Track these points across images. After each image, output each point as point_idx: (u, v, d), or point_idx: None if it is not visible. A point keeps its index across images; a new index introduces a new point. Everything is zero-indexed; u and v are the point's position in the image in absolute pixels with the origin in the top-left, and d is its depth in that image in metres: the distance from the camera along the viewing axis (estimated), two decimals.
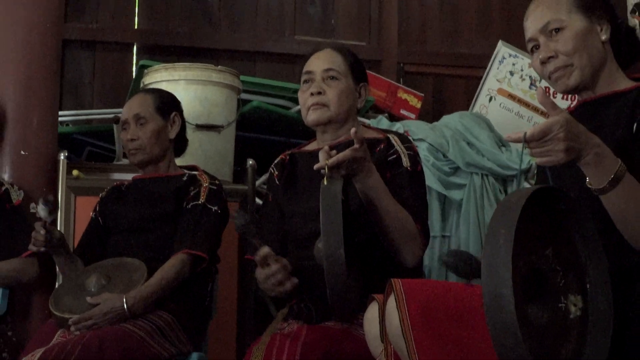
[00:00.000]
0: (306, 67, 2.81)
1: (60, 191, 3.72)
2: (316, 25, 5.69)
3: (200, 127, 3.92)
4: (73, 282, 2.97)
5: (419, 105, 5.19)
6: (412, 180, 2.65)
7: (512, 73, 4.90)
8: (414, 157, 2.70)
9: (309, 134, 2.96)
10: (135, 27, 5.42)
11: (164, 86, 3.83)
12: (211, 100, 4.00)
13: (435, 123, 4.60)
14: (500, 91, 4.90)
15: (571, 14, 2.18)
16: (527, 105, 4.87)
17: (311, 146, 2.90)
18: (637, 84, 2.17)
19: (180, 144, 3.32)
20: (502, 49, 4.93)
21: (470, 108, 5.00)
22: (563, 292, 1.85)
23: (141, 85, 4.12)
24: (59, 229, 3.54)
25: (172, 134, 3.23)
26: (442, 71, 5.83)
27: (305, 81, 2.79)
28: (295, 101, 4.40)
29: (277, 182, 2.88)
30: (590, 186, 1.89)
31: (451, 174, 4.32)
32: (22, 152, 3.60)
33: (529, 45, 2.27)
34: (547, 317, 1.80)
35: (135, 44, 5.40)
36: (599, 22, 2.19)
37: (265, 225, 2.85)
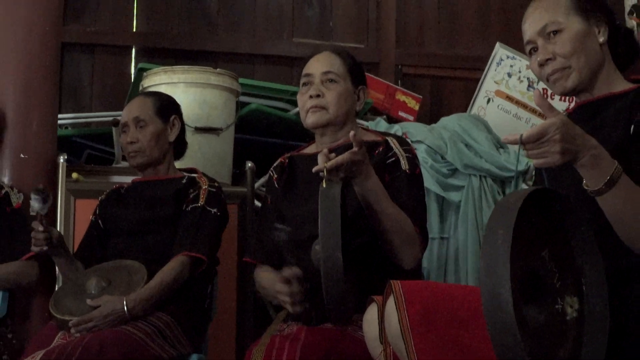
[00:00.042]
0: (305, 70, 2.81)
1: (59, 194, 3.72)
2: (314, 28, 5.69)
3: (199, 129, 3.93)
4: (73, 284, 2.98)
5: (417, 107, 5.20)
6: (410, 183, 2.66)
7: (510, 75, 4.91)
8: (413, 159, 2.71)
9: (308, 136, 2.97)
10: (134, 29, 5.42)
11: (163, 89, 3.83)
12: (210, 103, 4.00)
13: (433, 125, 4.61)
14: (498, 93, 4.91)
15: (569, 17, 2.19)
16: (525, 106, 4.88)
17: (310, 149, 2.91)
18: (634, 85, 2.18)
19: (179, 147, 3.33)
20: (500, 51, 4.94)
21: (468, 110, 5.01)
22: (560, 293, 1.86)
23: (140, 88, 4.13)
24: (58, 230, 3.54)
25: (172, 136, 3.24)
26: (440, 73, 5.83)
27: (304, 84, 2.80)
28: (294, 103, 4.42)
29: (277, 185, 2.89)
30: (586, 188, 1.89)
31: (449, 175, 4.33)
32: (22, 155, 3.60)
33: (527, 48, 2.28)
34: (544, 319, 1.81)
35: (133, 46, 5.40)
36: (596, 24, 2.20)
37: (264, 228, 2.87)
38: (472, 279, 4.16)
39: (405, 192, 2.63)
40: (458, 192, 4.31)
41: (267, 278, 2.75)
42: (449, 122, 4.56)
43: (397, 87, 5.29)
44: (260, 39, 5.57)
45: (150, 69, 4.16)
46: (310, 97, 2.74)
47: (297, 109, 3.49)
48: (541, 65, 2.22)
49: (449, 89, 5.86)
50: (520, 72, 4.90)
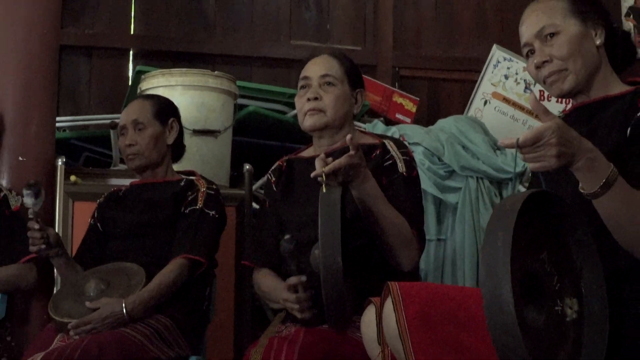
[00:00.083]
0: (303, 73, 2.82)
1: (58, 197, 3.73)
2: (312, 30, 5.70)
3: (197, 132, 3.93)
4: (72, 287, 2.98)
5: (414, 110, 5.20)
6: (408, 185, 2.67)
7: (506, 77, 4.92)
8: (410, 162, 2.72)
9: (305, 138, 2.98)
10: (132, 32, 5.42)
11: (160, 92, 3.83)
12: (208, 106, 4.01)
13: (430, 127, 4.61)
14: (495, 95, 4.92)
15: (566, 19, 2.20)
16: (521, 108, 4.89)
17: (307, 152, 2.92)
18: (631, 88, 2.19)
19: (177, 150, 3.33)
20: (497, 53, 4.95)
21: (465, 112, 5.02)
22: (559, 295, 1.87)
23: (138, 90, 4.13)
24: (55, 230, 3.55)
25: (170, 139, 3.24)
26: (437, 75, 5.83)
27: (302, 87, 2.81)
28: (292, 106, 4.43)
29: (275, 188, 2.89)
30: (582, 191, 1.90)
31: (446, 177, 4.34)
32: (21, 158, 3.61)
33: (524, 50, 2.28)
34: (544, 320, 1.81)
35: (131, 49, 5.41)
36: (593, 27, 2.21)
37: (262, 231, 2.88)
38: (469, 281, 4.17)
39: (403, 194, 2.64)
40: (455, 193, 4.31)
41: (267, 282, 2.76)
42: (446, 124, 4.56)
43: (394, 89, 5.29)
44: (258, 41, 5.57)
45: (148, 71, 4.17)
46: (308, 100, 2.75)
47: (294, 111, 3.49)
48: (538, 67, 2.23)
49: (446, 91, 5.86)
50: (517, 74, 4.90)
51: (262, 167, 4.02)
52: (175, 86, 3.98)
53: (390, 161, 2.70)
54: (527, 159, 1.85)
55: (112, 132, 4.16)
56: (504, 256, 1.67)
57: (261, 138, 4.60)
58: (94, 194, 3.59)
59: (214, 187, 3.19)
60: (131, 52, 5.41)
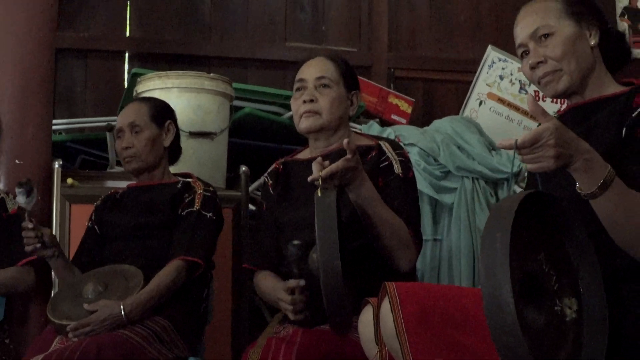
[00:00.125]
0: (299, 75, 2.83)
1: (55, 199, 3.73)
2: (307, 32, 5.70)
3: (193, 134, 3.93)
4: (70, 289, 2.99)
5: (409, 110, 5.21)
6: (404, 186, 2.68)
7: (501, 77, 4.93)
8: (406, 163, 2.73)
9: (301, 139, 2.98)
10: (127, 35, 5.42)
11: (157, 94, 3.84)
12: (204, 108, 4.01)
13: (426, 128, 4.62)
14: (490, 95, 4.93)
15: (560, 20, 2.21)
16: (516, 109, 4.90)
17: (304, 154, 2.92)
18: (625, 88, 2.20)
19: (174, 152, 3.34)
20: (492, 54, 4.96)
21: (460, 112, 5.02)
22: (558, 295, 1.88)
23: (134, 93, 4.13)
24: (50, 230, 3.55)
25: (167, 142, 3.25)
26: (432, 76, 5.83)
27: (298, 89, 2.82)
28: (287, 107, 4.43)
29: (272, 191, 2.90)
30: (580, 191, 1.90)
31: (442, 178, 4.34)
32: (17, 161, 3.61)
33: (519, 51, 2.29)
34: (544, 320, 1.82)
35: (127, 52, 5.40)
36: (588, 27, 2.22)
37: (261, 234, 2.88)
38: (466, 280, 4.18)
39: (399, 195, 2.65)
40: (451, 194, 4.32)
41: (267, 284, 2.77)
42: (442, 125, 4.57)
43: (389, 90, 5.30)
44: (254, 43, 5.57)
45: (144, 74, 4.16)
46: (304, 102, 2.76)
47: (290, 113, 3.50)
48: (532, 68, 2.24)
49: (441, 91, 5.86)
50: (512, 74, 4.91)
51: (258, 169, 4.03)
52: (172, 89, 3.98)
53: (386, 162, 2.71)
54: (525, 160, 1.85)
55: (108, 134, 4.16)
56: (502, 257, 1.68)
57: (257, 140, 4.60)
58: (90, 196, 3.60)
59: (211, 189, 3.20)
60: (127, 55, 5.40)
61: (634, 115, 2.06)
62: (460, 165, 4.31)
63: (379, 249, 2.57)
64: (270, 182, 2.92)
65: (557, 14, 2.22)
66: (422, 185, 4.16)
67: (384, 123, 4.95)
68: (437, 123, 4.64)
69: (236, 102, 4.33)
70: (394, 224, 2.54)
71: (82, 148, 4.63)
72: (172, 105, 3.40)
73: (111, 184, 3.89)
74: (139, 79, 4.12)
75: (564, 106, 2.37)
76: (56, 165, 3.74)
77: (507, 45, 4.57)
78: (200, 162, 3.94)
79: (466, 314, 2.04)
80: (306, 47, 5.51)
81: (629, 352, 1.97)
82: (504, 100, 4.90)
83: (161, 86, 3.99)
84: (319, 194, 2.32)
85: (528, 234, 1.83)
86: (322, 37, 5.71)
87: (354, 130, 3.29)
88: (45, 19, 3.77)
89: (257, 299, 3.77)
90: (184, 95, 3.98)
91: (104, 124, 4.35)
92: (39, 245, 2.97)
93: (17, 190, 2.96)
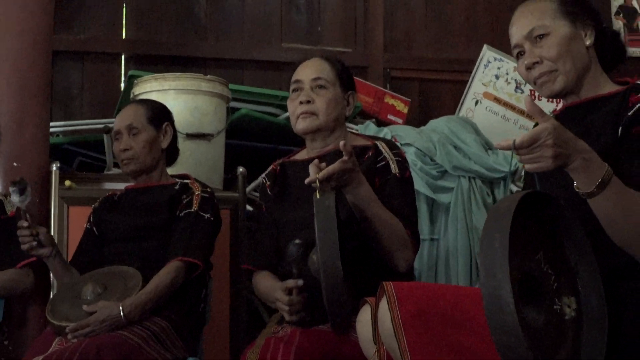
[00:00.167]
0: (295, 76, 2.84)
1: (53, 202, 3.73)
2: (303, 33, 5.70)
3: (190, 136, 3.94)
4: (69, 290, 3.00)
5: (405, 110, 5.21)
6: (401, 186, 2.68)
7: (497, 77, 4.94)
8: (402, 163, 2.74)
9: (298, 140, 2.99)
10: (124, 37, 5.42)
11: (154, 96, 3.84)
12: (201, 110, 4.02)
13: (422, 127, 4.62)
14: (486, 95, 4.94)
15: (556, 20, 2.21)
16: (512, 108, 4.91)
17: (301, 155, 2.93)
18: (621, 87, 2.20)
19: (172, 154, 3.35)
20: (487, 53, 4.97)
21: (456, 112, 5.04)
22: (557, 294, 1.89)
23: (131, 95, 4.14)
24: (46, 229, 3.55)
25: (164, 143, 3.26)
26: (428, 76, 5.83)
27: (294, 90, 2.82)
28: (284, 108, 4.44)
29: (270, 192, 2.91)
30: (578, 190, 1.91)
31: (439, 177, 4.35)
32: (15, 164, 3.61)
33: (515, 52, 2.29)
34: (544, 320, 1.83)
35: (123, 54, 5.40)
36: (583, 27, 2.23)
37: (260, 234, 2.89)
38: (463, 280, 4.19)
39: (396, 195, 2.65)
40: (447, 193, 4.33)
41: (265, 283, 2.77)
42: (438, 125, 4.58)
43: (385, 90, 5.30)
44: (249, 44, 5.57)
45: (140, 76, 4.17)
46: (301, 103, 2.77)
47: (286, 114, 3.50)
48: (528, 68, 2.24)
49: (437, 91, 5.86)
50: (507, 74, 4.93)
51: (255, 170, 4.04)
52: (168, 90, 3.99)
53: (383, 162, 2.72)
54: (523, 160, 1.86)
55: (105, 136, 4.17)
56: (502, 257, 1.69)
57: (254, 141, 4.61)
58: (88, 198, 3.60)
59: (209, 190, 3.21)
60: (123, 57, 5.40)
61: (629, 114, 2.07)
62: (457, 164, 4.32)
63: (376, 249, 2.57)
64: (268, 183, 2.93)
65: (552, 14, 2.23)
66: (419, 185, 4.16)
67: (380, 123, 4.95)
68: (433, 123, 4.65)
69: (233, 104, 4.34)
70: (392, 224, 2.55)
71: (79, 150, 4.62)
72: (169, 107, 3.41)
73: (109, 185, 3.89)
74: (135, 81, 4.13)
75: (560, 106, 2.37)
76: (54, 168, 3.74)
77: (503, 45, 4.60)
78: (198, 163, 3.94)
79: (464, 313, 2.04)
80: (302, 48, 5.51)
81: (628, 350, 1.98)
82: (500, 100, 4.91)
83: (158, 88, 4.00)
84: (318, 196, 2.33)
85: (526, 234, 1.84)
86: (318, 38, 5.71)
87: (351, 130, 3.30)
88: (42, 21, 3.76)
89: (255, 299, 3.78)
90: (181, 96, 3.99)
91: (101, 126, 4.36)
92: (34, 243, 2.98)
93: (11, 189, 2.96)
